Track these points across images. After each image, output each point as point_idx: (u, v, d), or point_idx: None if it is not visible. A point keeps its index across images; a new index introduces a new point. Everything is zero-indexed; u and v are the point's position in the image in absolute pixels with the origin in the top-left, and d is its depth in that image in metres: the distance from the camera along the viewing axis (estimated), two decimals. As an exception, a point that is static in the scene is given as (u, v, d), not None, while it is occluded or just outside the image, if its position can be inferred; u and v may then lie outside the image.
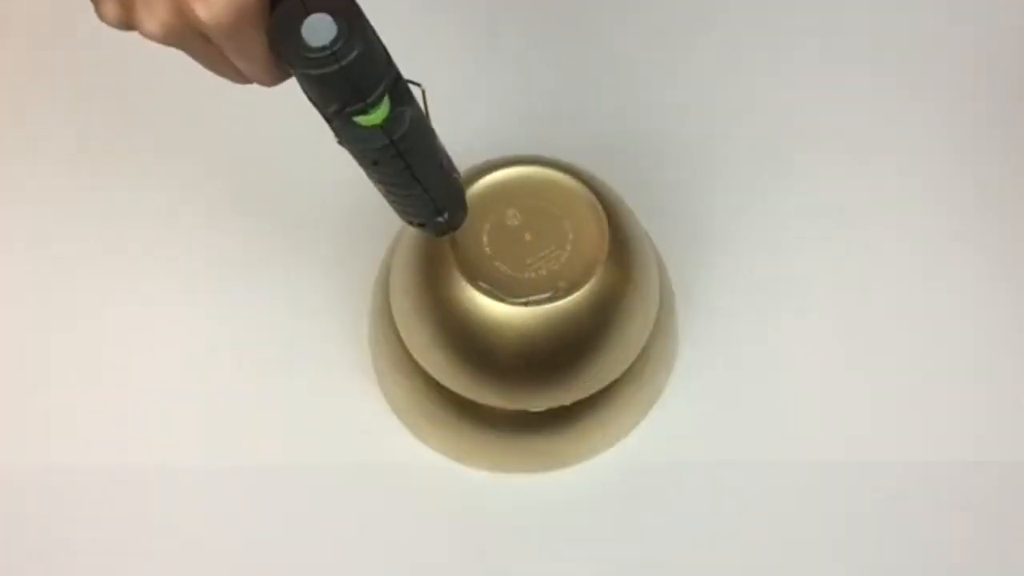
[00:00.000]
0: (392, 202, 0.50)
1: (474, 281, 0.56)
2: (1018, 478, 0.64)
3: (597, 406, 0.62)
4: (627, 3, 0.76)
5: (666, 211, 0.69)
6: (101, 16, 0.46)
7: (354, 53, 0.40)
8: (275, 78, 0.46)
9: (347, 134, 0.44)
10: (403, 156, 0.45)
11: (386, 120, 0.43)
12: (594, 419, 0.63)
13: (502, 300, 0.56)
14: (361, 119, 0.43)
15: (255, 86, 0.46)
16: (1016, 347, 0.67)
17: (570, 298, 0.56)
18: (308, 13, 0.40)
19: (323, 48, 0.40)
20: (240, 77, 0.47)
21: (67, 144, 0.73)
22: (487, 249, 0.57)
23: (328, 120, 0.44)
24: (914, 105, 0.73)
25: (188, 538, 0.63)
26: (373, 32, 0.42)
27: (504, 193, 0.57)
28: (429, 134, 0.46)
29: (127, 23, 0.45)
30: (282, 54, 0.41)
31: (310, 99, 0.44)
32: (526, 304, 0.56)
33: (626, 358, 0.61)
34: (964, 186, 0.71)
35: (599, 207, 0.58)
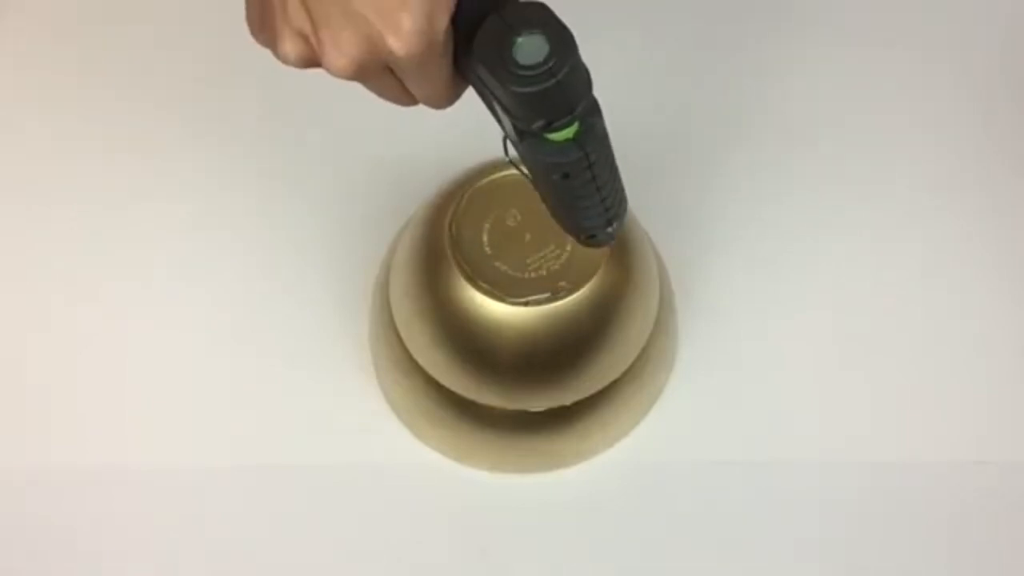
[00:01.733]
0: (564, 216, 0.50)
1: (474, 281, 0.56)
2: (1018, 478, 0.64)
3: (597, 406, 0.62)
4: (627, 2, 0.76)
5: (666, 211, 0.69)
6: (282, 56, 0.45)
7: (567, 68, 0.41)
8: (451, 100, 0.47)
9: (539, 150, 0.44)
10: (592, 168, 0.45)
11: (578, 133, 0.44)
12: (594, 419, 0.63)
13: (502, 300, 0.56)
14: (554, 135, 0.43)
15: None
16: (1017, 347, 0.67)
17: (570, 298, 0.56)
18: (514, 31, 0.41)
19: (538, 65, 0.40)
20: (410, 101, 0.47)
21: (64, 141, 0.73)
22: (487, 249, 0.57)
23: (520, 137, 0.44)
24: (915, 106, 0.73)
25: (187, 538, 0.63)
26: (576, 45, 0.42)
27: (504, 193, 0.57)
28: (609, 143, 0.47)
29: (312, 61, 0.45)
30: (490, 73, 0.41)
31: (502, 116, 0.44)
32: (526, 304, 0.56)
33: (626, 358, 0.61)
34: (965, 187, 0.71)
35: (599, 207, 0.57)
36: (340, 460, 0.65)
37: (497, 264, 0.57)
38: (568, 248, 0.57)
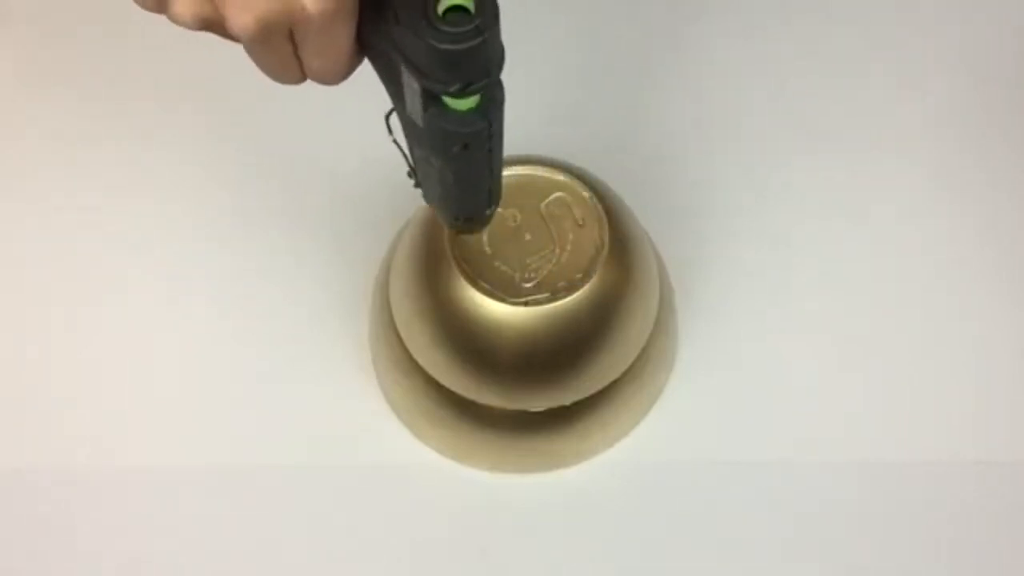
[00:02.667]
0: (447, 197, 0.50)
1: (474, 281, 0.56)
2: (1018, 478, 0.64)
3: (597, 406, 0.62)
4: (627, 2, 0.76)
5: (666, 211, 0.69)
6: (176, 15, 0.43)
7: (492, 28, 0.41)
8: (345, 74, 0.46)
9: (444, 119, 0.44)
10: (491, 139, 0.46)
11: (481, 103, 0.44)
12: (594, 419, 0.63)
13: (502, 300, 0.56)
14: (456, 103, 0.43)
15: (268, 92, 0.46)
16: (1017, 347, 0.67)
17: (570, 298, 0.56)
18: None
19: (466, 22, 0.40)
20: (299, 77, 0.46)
21: (64, 143, 0.73)
22: (487, 249, 0.57)
23: (426, 107, 0.44)
24: (916, 105, 0.73)
25: (186, 538, 0.63)
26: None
27: (504, 193, 0.57)
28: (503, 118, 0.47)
29: (210, 21, 0.43)
30: (412, 32, 0.41)
31: (408, 84, 0.44)
32: (526, 304, 0.56)
33: (626, 358, 0.61)
34: (967, 186, 0.71)
35: (599, 207, 0.58)
36: (340, 460, 0.65)
37: (497, 264, 0.57)
38: (568, 248, 0.57)
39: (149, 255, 0.70)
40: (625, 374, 0.62)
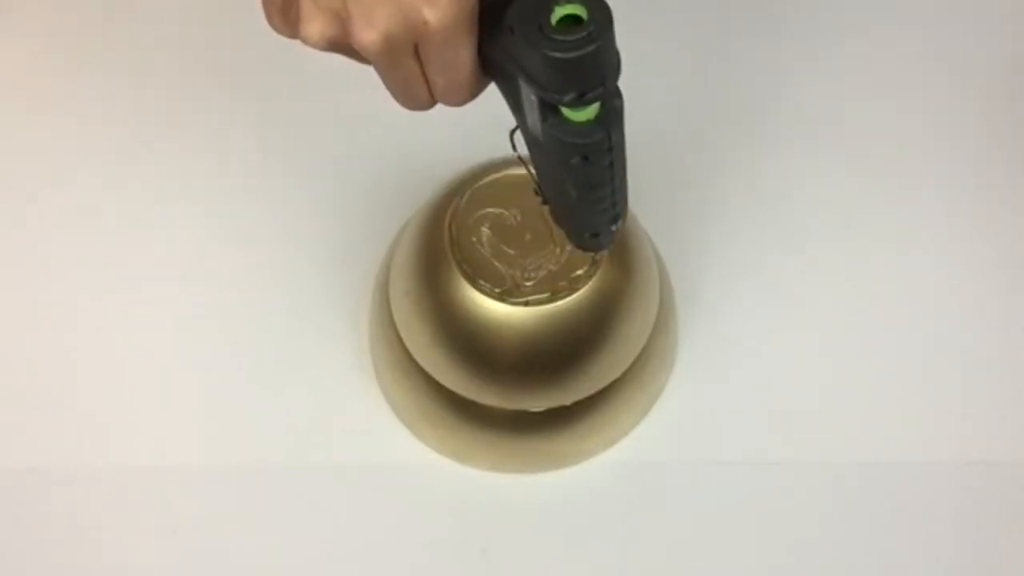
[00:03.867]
0: (571, 212, 0.51)
1: (474, 281, 0.56)
2: (1018, 478, 0.64)
3: (597, 406, 0.62)
4: (629, 5, 0.76)
5: (666, 211, 0.69)
6: (307, 37, 0.45)
7: (605, 35, 0.41)
8: (472, 91, 0.47)
9: (563, 130, 0.44)
10: (612, 151, 0.46)
11: (600, 114, 0.44)
12: (594, 419, 0.63)
13: (502, 300, 0.56)
14: (574, 114, 0.44)
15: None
16: (1018, 346, 0.67)
17: (570, 298, 0.56)
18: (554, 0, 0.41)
19: (578, 30, 0.40)
20: (428, 97, 0.47)
21: (64, 140, 0.73)
22: (487, 249, 0.57)
23: (544, 117, 0.44)
24: (916, 105, 0.73)
25: (186, 538, 0.63)
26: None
27: (504, 193, 0.57)
28: (624, 130, 0.47)
29: (338, 41, 0.45)
30: (525, 40, 0.41)
31: (526, 97, 0.44)
32: (526, 304, 0.56)
33: (626, 358, 0.61)
34: (966, 187, 0.71)
35: (599, 207, 0.57)
36: (340, 460, 0.65)
37: (497, 264, 0.57)
38: (568, 248, 0.57)
39: (149, 255, 0.70)
40: (625, 374, 0.62)
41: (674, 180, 0.71)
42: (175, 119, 0.73)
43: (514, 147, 0.48)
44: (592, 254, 0.57)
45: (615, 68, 0.43)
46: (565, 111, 0.43)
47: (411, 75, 0.46)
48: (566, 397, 0.61)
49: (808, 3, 0.76)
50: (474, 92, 0.47)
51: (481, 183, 0.57)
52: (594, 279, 0.57)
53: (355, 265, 0.68)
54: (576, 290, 0.56)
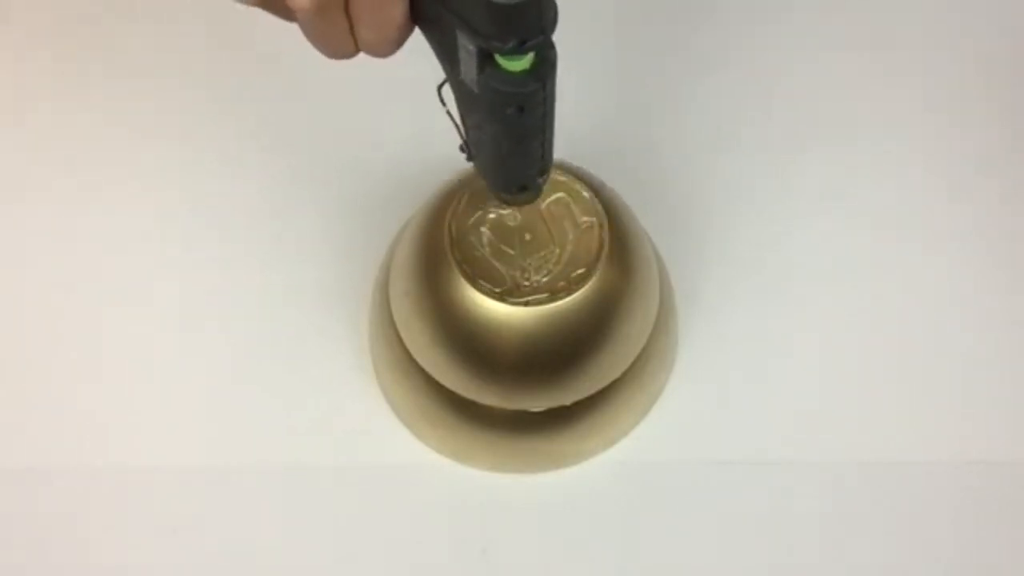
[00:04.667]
0: (499, 165, 0.51)
1: (474, 281, 0.56)
2: (1019, 478, 0.64)
3: (597, 406, 0.62)
4: (628, 4, 0.76)
5: (666, 211, 0.69)
6: None
7: None
8: (399, 43, 0.47)
9: (499, 80, 0.45)
10: (546, 102, 0.47)
11: (535, 64, 0.45)
12: (594, 419, 0.63)
13: (502, 300, 0.56)
14: (511, 64, 0.44)
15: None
16: (1018, 347, 0.67)
17: (570, 298, 0.56)
18: None
19: None
20: (351, 50, 0.47)
21: (64, 140, 0.73)
22: (487, 249, 0.57)
23: (481, 68, 0.44)
24: (916, 106, 0.73)
25: (186, 538, 0.63)
26: None
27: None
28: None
29: None
30: None
31: (463, 45, 0.44)
32: (526, 304, 0.56)
33: (626, 358, 0.61)
34: (968, 187, 0.71)
35: (599, 207, 0.58)
36: (340, 460, 0.65)
37: (497, 264, 0.57)
38: (568, 248, 0.57)
39: (147, 255, 0.70)
40: (625, 374, 0.62)
41: (674, 181, 0.71)
42: (175, 120, 0.73)
43: (442, 101, 0.48)
44: (592, 255, 0.57)
45: (553, 18, 0.44)
46: (502, 61, 0.44)
47: (338, 29, 0.46)
48: (566, 397, 0.61)
49: (812, 5, 0.76)
50: (400, 44, 0.47)
51: (481, 183, 0.57)
52: (594, 279, 0.57)
53: (355, 265, 0.68)
54: (576, 290, 0.56)
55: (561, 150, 0.60)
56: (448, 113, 0.49)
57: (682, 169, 0.71)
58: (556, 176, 0.58)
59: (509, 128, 0.48)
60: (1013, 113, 0.73)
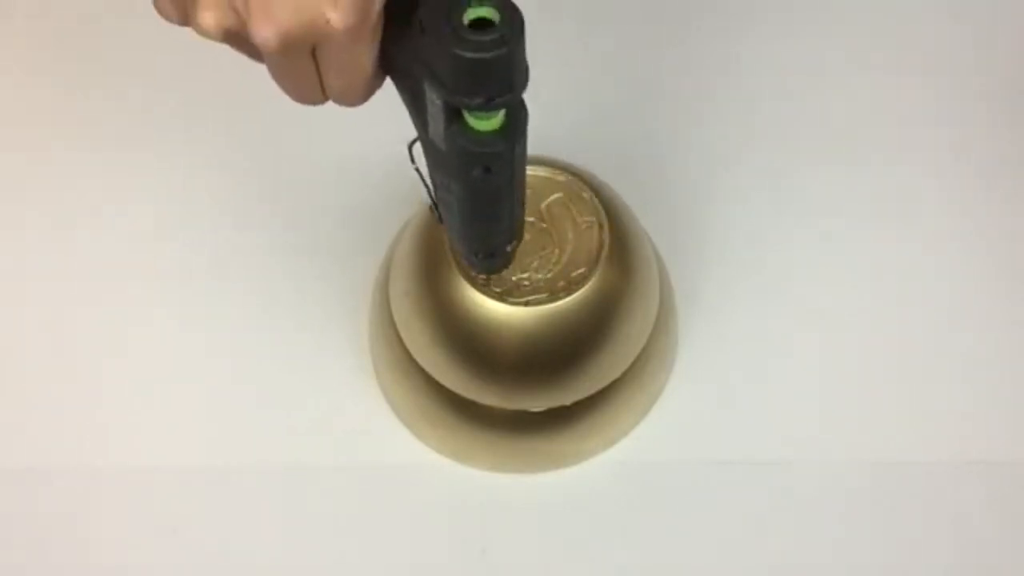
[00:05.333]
0: (468, 229, 0.50)
1: (474, 281, 0.56)
2: (1019, 478, 0.64)
3: (597, 406, 0.62)
4: (628, 4, 0.76)
5: (666, 211, 0.69)
6: (200, 25, 0.43)
7: (516, 40, 0.40)
8: (367, 94, 0.45)
9: (466, 139, 0.43)
10: (514, 164, 0.45)
11: (504, 125, 0.43)
12: (594, 419, 0.63)
13: (502, 300, 0.56)
14: (479, 123, 0.43)
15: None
16: (1018, 347, 0.67)
17: (570, 298, 0.56)
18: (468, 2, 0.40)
19: (491, 31, 0.40)
20: (318, 97, 0.45)
21: (66, 140, 0.73)
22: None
23: (448, 124, 0.43)
24: (916, 106, 0.73)
25: (186, 538, 0.63)
26: None
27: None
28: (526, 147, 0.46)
29: (233, 32, 0.43)
30: (436, 40, 0.40)
31: (431, 101, 0.43)
32: (526, 304, 0.56)
33: (626, 358, 0.62)
34: (968, 187, 0.71)
35: (599, 207, 0.58)
36: (340, 460, 0.65)
37: None
38: (568, 248, 0.57)
39: (147, 255, 0.70)
40: (625, 374, 0.62)
41: (674, 181, 0.71)
42: (176, 121, 0.73)
43: (412, 159, 0.47)
44: (592, 255, 0.57)
45: (523, 76, 0.42)
46: (470, 119, 0.42)
47: (306, 74, 0.44)
48: (566, 397, 0.61)
49: (808, 5, 0.76)
50: (370, 94, 0.45)
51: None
52: (594, 279, 0.57)
53: (355, 265, 0.68)
54: (576, 290, 0.56)
55: (561, 150, 0.60)
56: (417, 171, 0.48)
57: (682, 169, 0.71)
58: (556, 176, 0.58)
59: (475, 190, 0.46)
60: (1013, 114, 0.73)
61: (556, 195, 0.58)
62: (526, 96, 0.43)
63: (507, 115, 0.43)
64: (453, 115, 0.43)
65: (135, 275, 0.69)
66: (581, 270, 0.57)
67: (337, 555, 0.63)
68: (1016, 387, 0.66)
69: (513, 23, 0.40)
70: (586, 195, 0.58)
